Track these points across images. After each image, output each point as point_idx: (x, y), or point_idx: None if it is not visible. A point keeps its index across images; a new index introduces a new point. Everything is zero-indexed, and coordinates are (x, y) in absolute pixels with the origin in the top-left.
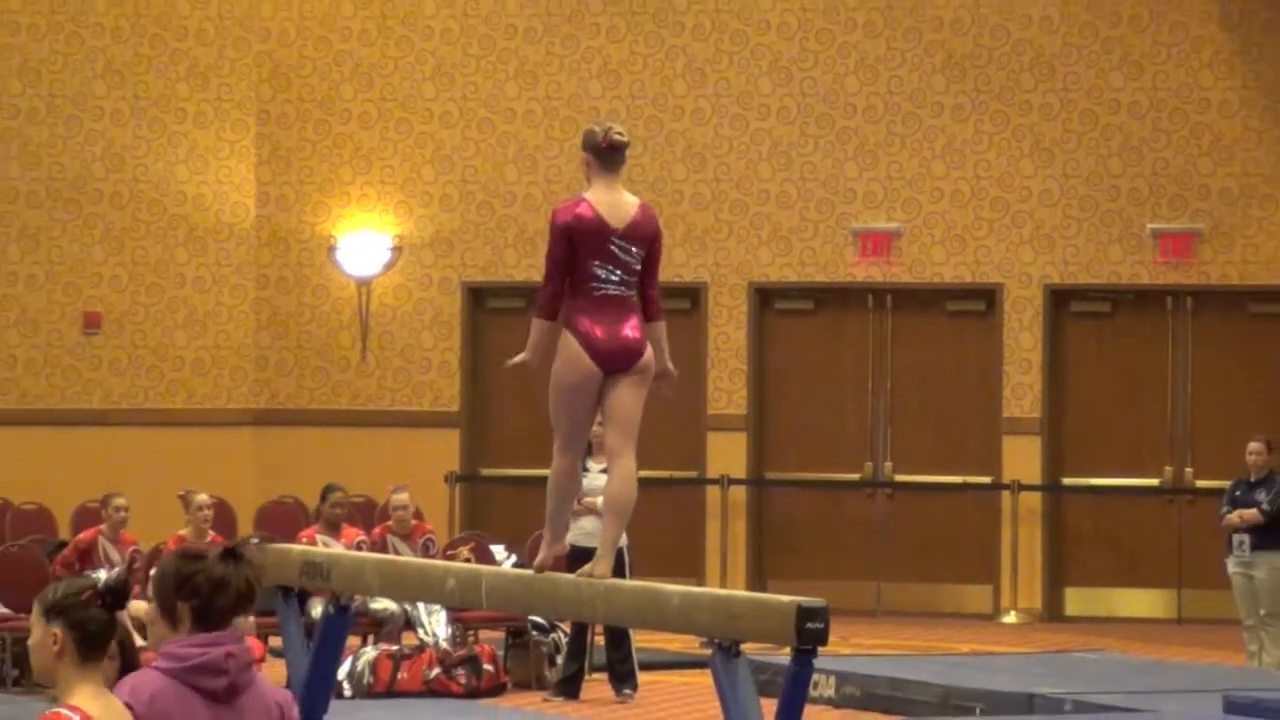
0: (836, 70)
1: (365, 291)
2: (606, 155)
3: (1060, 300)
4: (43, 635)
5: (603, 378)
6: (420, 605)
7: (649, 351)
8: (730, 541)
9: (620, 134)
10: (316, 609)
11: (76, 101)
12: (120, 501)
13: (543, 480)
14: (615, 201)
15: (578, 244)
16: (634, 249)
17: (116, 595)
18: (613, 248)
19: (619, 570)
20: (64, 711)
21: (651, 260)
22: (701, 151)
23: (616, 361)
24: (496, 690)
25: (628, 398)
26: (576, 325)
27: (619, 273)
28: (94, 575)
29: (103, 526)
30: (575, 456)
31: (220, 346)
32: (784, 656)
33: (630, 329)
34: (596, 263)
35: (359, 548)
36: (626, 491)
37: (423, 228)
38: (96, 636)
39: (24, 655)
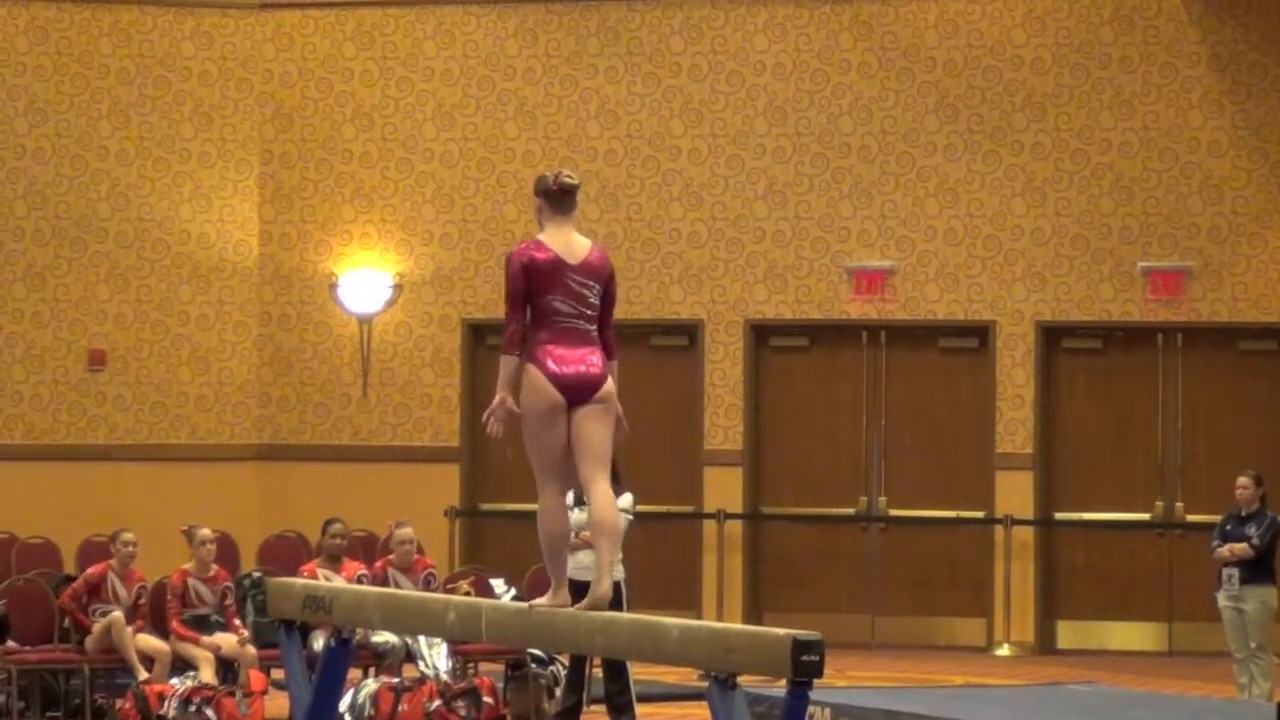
0: (831, 111)
1: (366, 328)
2: (558, 198)
3: (1052, 337)
4: None
5: (568, 408)
6: (421, 638)
7: (610, 383)
8: (726, 575)
9: (570, 177)
10: (318, 642)
11: (82, 141)
12: (129, 537)
13: None
14: (569, 241)
15: (535, 279)
16: (591, 284)
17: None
18: (570, 282)
19: (616, 603)
20: None
21: (608, 301)
22: (698, 190)
23: (578, 391)
24: None
25: (594, 428)
26: (536, 355)
27: (578, 306)
28: None
29: (112, 562)
30: (557, 492)
31: (223, 383)
32: (780, 689)
33: (591, 358)
34: (555, 297)
35: (360, 581)
36: (608, 514)
37: (423, 266)
38: None
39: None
